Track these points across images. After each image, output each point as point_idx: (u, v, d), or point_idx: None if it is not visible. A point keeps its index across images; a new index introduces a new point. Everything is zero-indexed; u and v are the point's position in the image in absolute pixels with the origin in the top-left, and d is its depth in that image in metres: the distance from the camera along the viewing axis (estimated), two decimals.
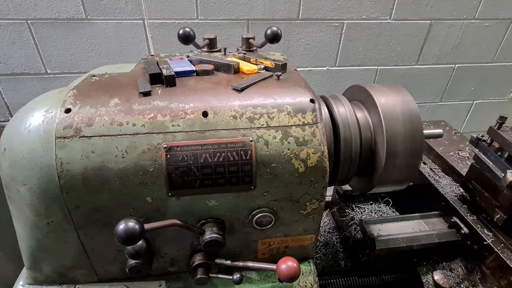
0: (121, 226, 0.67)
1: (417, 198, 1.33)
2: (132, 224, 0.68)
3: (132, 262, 0.85)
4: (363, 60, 2.54)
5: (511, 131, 0.99)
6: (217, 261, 0.91)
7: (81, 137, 0.74)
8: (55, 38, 2.11)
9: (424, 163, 1.37)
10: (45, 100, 0.80)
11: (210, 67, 0.96)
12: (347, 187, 1.33)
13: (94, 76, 0.92)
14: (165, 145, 0.76)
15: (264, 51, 1.22)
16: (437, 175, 1.30)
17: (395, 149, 0.90)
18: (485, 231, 1.04)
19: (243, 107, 0.82)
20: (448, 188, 1.22)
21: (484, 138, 1.08)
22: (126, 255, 0.81)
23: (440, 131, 1.08)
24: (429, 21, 2.45)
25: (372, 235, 1.12)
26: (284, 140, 0.81)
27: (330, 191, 1.51)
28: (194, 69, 0.94)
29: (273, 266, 0.81)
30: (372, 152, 0.95)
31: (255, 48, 1.21)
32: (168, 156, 0.76)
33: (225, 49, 1.18)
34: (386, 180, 0.94)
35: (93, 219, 0.80)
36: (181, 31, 1.06)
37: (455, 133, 1.51)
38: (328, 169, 0.84)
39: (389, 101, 0.93)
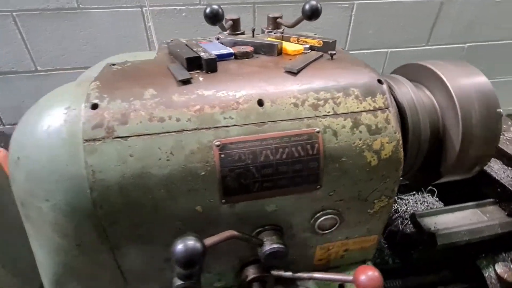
0: (180, 247, 0.54)
1: (464, 186, 1.23)
2: (191, 242, 0.55)
3: (179, 283, 0.71)
4: (374, 43, 2.43)
5: None
6: (274, 272, 0.78)
7: (115, 138, 0.60)
8: (44, 31, 1.91)
9: None
10: (62, 95, 0.65)
11: (249, 49, 0.82)
12: None
13: (113, 65, 0.77)
14: (218, 143, 0.62)
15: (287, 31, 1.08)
16: None
17: (471, 134, 0.79)
18: None
19: (303, 92, 0.68)
20: (502, 172, 1.13)
21: None
22: (172, 275, 0.68)
23: None
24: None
25: (429, 230, 1.01)
26: (355, 129, 0.68)
27: None
28: (232, 51, 0.80)
29: (349, 277, 0.69)
30: (439, 139, 0.84)
31: (283, 29, 1.08)
32: (223, 155, 0.63)
33: (253, 30, 1.04)
34: (458, 168, 0.83)
35: (132, 237, 0.66)
36: (207, 9, 0.90)
37: None
38: (403, 160, 0.72)
39: (459, 79, 0.81)
